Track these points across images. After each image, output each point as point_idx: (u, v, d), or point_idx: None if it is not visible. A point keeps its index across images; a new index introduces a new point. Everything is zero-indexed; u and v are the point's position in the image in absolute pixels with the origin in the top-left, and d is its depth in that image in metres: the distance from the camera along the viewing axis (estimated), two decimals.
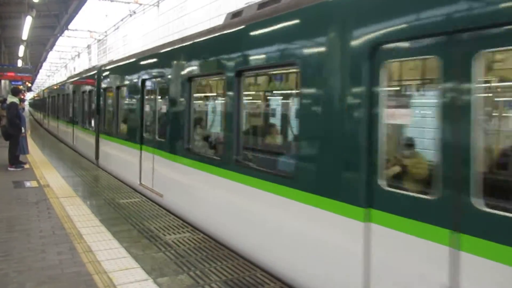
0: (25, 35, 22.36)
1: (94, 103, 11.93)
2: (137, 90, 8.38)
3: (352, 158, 3.37)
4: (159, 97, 7.56)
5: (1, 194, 7.47)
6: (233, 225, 5.09)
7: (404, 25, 3.03)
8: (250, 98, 7.04)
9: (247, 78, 5.45)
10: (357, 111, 3.34)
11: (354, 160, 3.34)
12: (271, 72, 5.92)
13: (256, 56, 4.76)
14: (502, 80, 4.08)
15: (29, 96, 54.93)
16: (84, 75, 14.35)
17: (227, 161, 5.14)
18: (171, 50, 7.06)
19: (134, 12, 27.95)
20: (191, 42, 6.45)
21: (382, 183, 3.14)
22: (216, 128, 7.52)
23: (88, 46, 44.91)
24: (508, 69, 3.81)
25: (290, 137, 6.06)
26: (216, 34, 5.68)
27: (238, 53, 5.03)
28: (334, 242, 3.57)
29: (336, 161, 3.56)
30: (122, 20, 30.82)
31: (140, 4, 26.68)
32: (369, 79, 3.24)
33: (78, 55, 49.91)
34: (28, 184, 8.45)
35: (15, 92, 10.91)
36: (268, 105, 7.29)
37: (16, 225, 5.64)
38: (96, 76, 11.86)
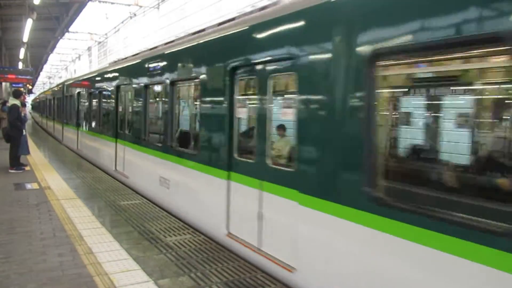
0: (25, 38, 22.44)
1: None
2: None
3: None
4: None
5: (2, 196, 7.48)
6: None
7: None
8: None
9: None
10: None
11: None
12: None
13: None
14: None
15: (30, 98, 54.08)
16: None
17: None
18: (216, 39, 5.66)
19: (135, 14, 28.01)
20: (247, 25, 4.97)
21: None
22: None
23: (89, 48, 45.01)
24: None
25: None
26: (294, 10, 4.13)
27: None
28: None
29: None
30: (122, 22, 30.89)
31: (141, 6, 26.74)
32: None
33: (79, 57, 50.01)
34: (29, 186, 8.46)
35: (17, 94, 10.93)
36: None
37: (17, 227, 5.65)
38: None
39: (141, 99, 8.31)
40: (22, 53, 28.94)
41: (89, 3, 24.07)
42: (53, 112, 23.49)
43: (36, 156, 12.98)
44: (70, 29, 30.11)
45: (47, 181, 9.02)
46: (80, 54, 48.69)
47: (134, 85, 8.82)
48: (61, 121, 19.45)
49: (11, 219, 6.00)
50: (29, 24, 19.17)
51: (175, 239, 5.26)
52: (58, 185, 8.62)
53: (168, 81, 6.94)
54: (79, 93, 15.19)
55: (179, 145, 6.97)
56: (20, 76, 24.90)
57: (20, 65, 33.34)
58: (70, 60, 53.35)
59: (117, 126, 10.09)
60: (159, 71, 7.44)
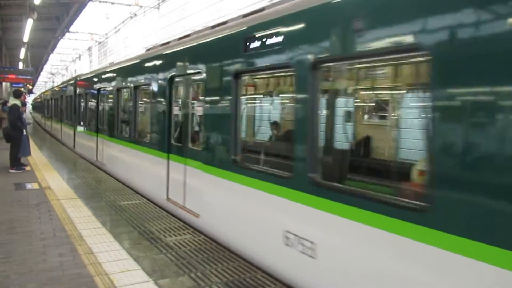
0: (26, 38, 22.46)
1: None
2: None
3: None
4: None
5: (2, 196, 7.48)
6: None
7: None
8: None
9: None
10: None
11: None
12: None
13: None
14: None
15: (30, 98, 53.82)
16: None
17: None
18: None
19: (135, 14, 28.04)
20: None
21: None
22: None
23: (89, 48, 45.05)
24: None
25: None
26: None
27: None
28: None
29: None
30: (123, 22, 30.92)
31: (141, 7, 26.77)
32: None
33: (79, 57, 50.04)
34: (29, 186, 8.46)
35: (17, 94, 10.94)
36: None
37: (17, 227, 5.65)
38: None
39: (225, 96, 5.22)
40: (22, 53, 28.98)
41: (90, 3, 24.10)
42: (60, 113, 19.82)
43: (36, 156, 12.98)
44: (70, 29, 30.14)
45: (47, 181, 9.02)
46: (80, 54, 48.72)
47: (209, 75, 5.60)
48: (72, 124, 15.85)
49: (11, 219, 5.99)
50: (29, 24, 19.19)
51: (175, 239, 5.26)
52: (59, 185, 8.62)
53: (308, 60, 3.82)
54: (99, 90, 11.71)
55: (341, 178, 4.38)
56: (20, 76, 24.94)
57: (21, 65, 33.38)
58: (71, 60, 53.38)
59: (170, 135, 6.95)
60: (287, 45, 4.13)
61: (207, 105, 5.70)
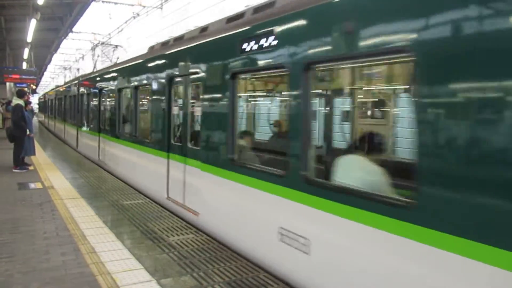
0: (29, 38, 22.51)
1: None
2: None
3: None
4: None
5: (5, 196, 7.51)
6: None
7: None
8: None
9: None
10: None
11: None
12: None
13: None
14: None
15: (34, 98, 53.65)
16: None
17: None
18: None
19: (138, 14, 28.06)
20: None
21: None
22: None
23: (92, 48, 45.14)
24: None
25: None
26: None
27: None
28: None
29: None
30: (126, 22, 30.96)
31: (144, 6, 26.80)
32: None
33: (83, 57, 50.16)
34: (32, 185, 8.49)
35: (20, 94, 10.99)
36: None
37: (20, 226, 5.67)
38: None
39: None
40: (26, 53, 29.06)
41: (93, 3, 24.13)
42: (81, 117, 14.65)
43: (39, 155, 13.02)
44: (73, 29, 30.21)
45: (51, 180, 9.04)
46: (84, 54, 48.82)
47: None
48: (116, 135, 9.94)
49: (15, 219, 6.02)
50: (33, 24, 19.23)
51: (177, 238, 5.27)
52: (62, 184, 8.65)
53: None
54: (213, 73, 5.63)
55: None
56: (24, 76, 25.07)
57: (24, 65, 33.49)
58: (74, 60, 53.52)
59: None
60: None
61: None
